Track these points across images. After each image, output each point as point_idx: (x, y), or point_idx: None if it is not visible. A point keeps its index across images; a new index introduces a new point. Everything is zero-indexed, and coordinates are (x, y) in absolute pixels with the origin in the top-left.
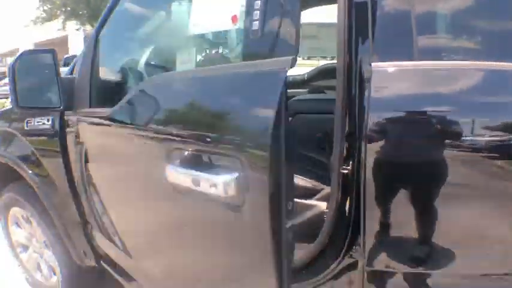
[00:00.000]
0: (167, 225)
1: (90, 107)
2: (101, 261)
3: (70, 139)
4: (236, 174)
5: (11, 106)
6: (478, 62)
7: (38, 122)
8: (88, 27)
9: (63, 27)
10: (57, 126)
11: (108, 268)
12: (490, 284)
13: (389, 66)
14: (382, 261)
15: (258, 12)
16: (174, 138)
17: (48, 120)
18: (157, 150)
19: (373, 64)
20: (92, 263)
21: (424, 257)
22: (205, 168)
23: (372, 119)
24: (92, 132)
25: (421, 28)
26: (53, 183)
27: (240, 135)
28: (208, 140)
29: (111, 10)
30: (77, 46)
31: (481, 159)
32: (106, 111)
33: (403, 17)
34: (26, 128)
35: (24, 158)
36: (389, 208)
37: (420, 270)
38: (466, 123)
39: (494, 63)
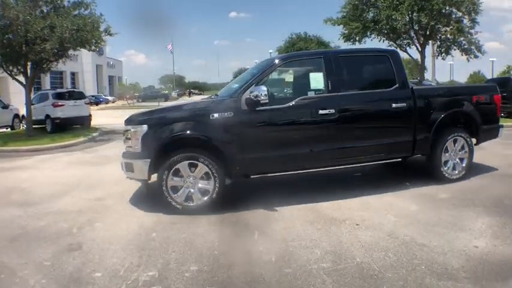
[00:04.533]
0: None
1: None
2: (250, 171)
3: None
4: None
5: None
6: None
7: (222, 114)
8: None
9: None
10: (236, 117)
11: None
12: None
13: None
14: None
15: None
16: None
17: (230, 114)
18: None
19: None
20: (242, 173)
21: None
22: None
23: None
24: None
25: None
26: (229, 143)
27: None
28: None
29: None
30: None
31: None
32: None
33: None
34: (211, 118)
35: (213, 133)
36: None
37: None
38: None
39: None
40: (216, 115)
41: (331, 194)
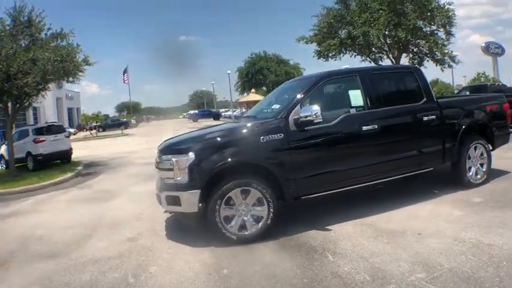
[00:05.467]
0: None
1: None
2: (301, 193)
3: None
4: None
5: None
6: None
7: (272, 136)
8: None
9: None
10: (286, 138)
11: (304, 195)
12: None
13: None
14: None
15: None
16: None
17: (280, 136)
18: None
19: None
20: (294, 195)
21: None
22: None
23: None
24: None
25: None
26: (281, 166)
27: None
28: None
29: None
30: None
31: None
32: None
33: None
34: (261, 141)
35: (265, 156)
36: None
37: None
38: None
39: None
40: (266, 138)
41: (372, 208)
